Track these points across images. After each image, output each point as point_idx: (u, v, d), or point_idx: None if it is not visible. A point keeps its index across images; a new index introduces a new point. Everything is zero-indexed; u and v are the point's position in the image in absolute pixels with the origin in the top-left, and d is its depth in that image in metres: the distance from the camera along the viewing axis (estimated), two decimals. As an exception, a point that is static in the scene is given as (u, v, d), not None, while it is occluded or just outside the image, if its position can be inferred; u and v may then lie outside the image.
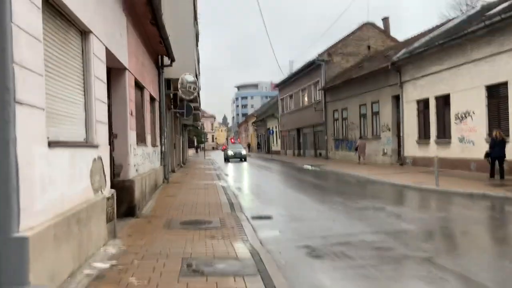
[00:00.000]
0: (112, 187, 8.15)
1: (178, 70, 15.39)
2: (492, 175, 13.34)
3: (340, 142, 29.36)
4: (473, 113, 15.68)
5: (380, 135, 23.40)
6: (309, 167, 24.08)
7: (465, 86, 16.03)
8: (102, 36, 6.25)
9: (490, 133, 14.75)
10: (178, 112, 18.95)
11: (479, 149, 14.93)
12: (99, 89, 6.08)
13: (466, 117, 16.11)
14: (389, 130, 22.46)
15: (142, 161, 10.23)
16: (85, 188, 5.23)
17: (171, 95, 18.06)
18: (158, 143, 13.89)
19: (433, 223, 7.64)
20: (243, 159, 35.36)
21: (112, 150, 8.27)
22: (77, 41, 5.50)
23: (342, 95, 28.23)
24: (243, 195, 12.46)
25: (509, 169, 13.75)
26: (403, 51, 20.63)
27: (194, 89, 15.27)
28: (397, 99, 21.55)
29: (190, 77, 15.01)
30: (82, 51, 5.68)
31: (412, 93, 19.82)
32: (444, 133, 17.71)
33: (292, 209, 9.42)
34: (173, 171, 20.05)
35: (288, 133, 43.27)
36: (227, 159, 35.99)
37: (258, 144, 60.06)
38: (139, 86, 10.45)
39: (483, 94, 15.12)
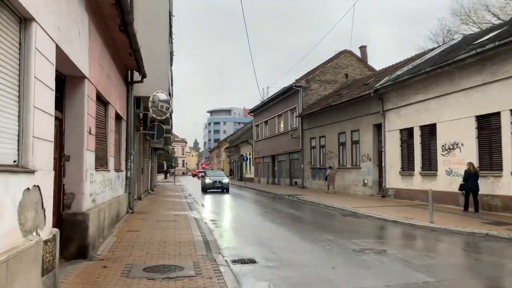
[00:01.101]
0: (59, 222, 6.58)
1: (150, 88, 13.99)
2: (466, 208, 13.30)
3: (317, 171, 28.32)
4: (462, 144, 14.91)
5: (360, 165, 22.47)
6: (287, 196, 22.76)
7: (453, 116, 15.32)
8: (50, 29, 4.85)
9: (480, 166, 14.07)
10: (148, 134, 17.38)
11: (469, 182, 14.12)
12: (42, 95, 4.63)
13: (454, 149, 15.33)
14: (369, 160, 21.57)
15: (102, 189, 8.64)
16: (7, 232, 3.69)
17: (141, 115, 16.57)
18: (123, 167, 12.28)
19: (452, 273, 6.39)
20: (225, 190, 28.31)
21: (62, 175, 6.73)
22: (11, 29, 4.08)
23: (320, 123, 27.40)
24: (219, 230, 10.95)
25: (503, 205, 12.97)
26: (386, 78, 20.03)
27: (167, 109, 13.84)
28: (378, 128, 20.78)
29: (162, 96, 13.59)
30: (20, 44, 4.25)
31: (395, 122, 19.08)
32: (430, 165, 16.87)
33: (279, 250, 8.01)
34: (139, 198, 18.29)
35: (263, 160, 42.05)
36: (205, 189, 28.70)
37: (231, 171, 58.47)
38: (102, 101, 8.98)
39: (473, 125, 14.39)
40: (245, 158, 47.59)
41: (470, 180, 13.07)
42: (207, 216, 13.83)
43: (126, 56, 10.88)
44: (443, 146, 15.89)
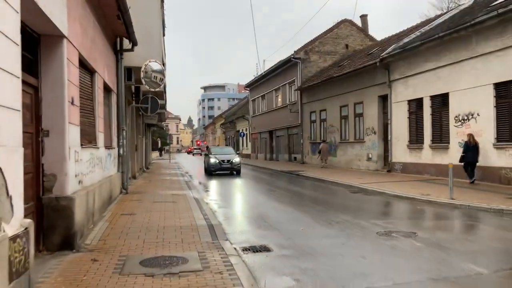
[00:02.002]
0: (39, 208, 5.57)
1: (142, 58, 12.78)
2: (472, 180, 13.27)
3: (317, 146, 27.34)
4: (478, 114, 13.96)
5: (364, 139, 21.54)
6: (288, 173, 21.83)
7: (468, 84, 14.30)
8: (9, -38, 3.70)
9: (497, 137, 13.23)
10: (141, 108, 16.21)
11: (485, 154, 13.28)
12: (2, 50, 3.53)
13: (469, 119, 14.37)
14: (374, 133, 20.62)
15: (90, 169, 7.61)
16: None
17: (133, 88, 15.38)
18: (114, 144, 11.22)
19: (505, 261, 5.45)
20: (235, 172, 22.06)
21: (40, 154, 5.69)
22: None
23: (321, 96, 26.30)
24: (222, 211, 10.00)
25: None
26: (393, 46, 18.86)
27: (161, 80, 12.66)
28: (384, 100, 19.76)
29: (156, 65, 12.39)
30: (-38, -25, 3.13)
31: (403, 92, 18.04)
32: (440, 137, 15.96)
33: (293, 234, 7.09)
34: (134, 177, 17.30)
35: (260, 135, 41.02)
36: (209, 170, 22.20)
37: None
38: (87, 68, 7.84)
39: (491, 93, 13.40)
40: (242, 133, 46.51)
41: (469, 152, 13.12)
42: (207, 196, 12.90)
43: (113, 19, 9.67)
44: (456, 117, 14.94)
